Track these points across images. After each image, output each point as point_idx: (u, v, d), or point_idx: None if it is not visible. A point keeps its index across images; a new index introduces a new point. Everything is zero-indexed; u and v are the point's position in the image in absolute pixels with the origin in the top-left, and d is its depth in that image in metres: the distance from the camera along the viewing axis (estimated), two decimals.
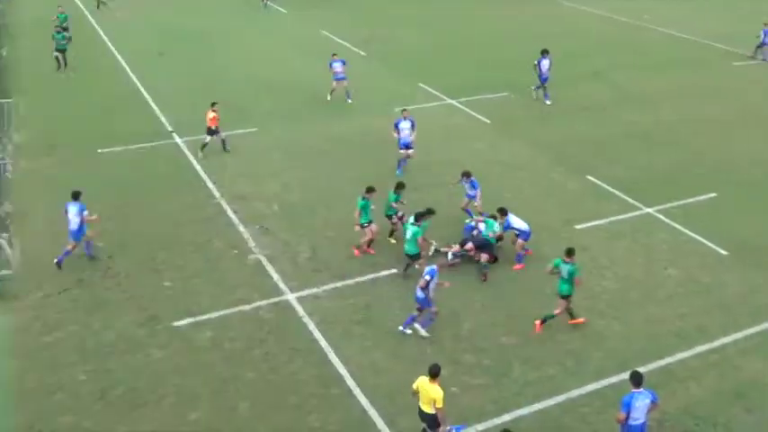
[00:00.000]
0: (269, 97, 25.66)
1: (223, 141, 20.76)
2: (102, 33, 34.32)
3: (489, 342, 13.12)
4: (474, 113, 24.31)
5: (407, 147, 19.58)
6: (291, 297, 14.32)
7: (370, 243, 15.79)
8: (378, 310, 14.00)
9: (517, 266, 15.43)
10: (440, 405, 10.02)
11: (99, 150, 20.77)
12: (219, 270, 15.15)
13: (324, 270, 15.20)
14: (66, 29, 29.12)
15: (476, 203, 16.70)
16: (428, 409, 10.16)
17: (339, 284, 14.74)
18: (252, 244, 16.12)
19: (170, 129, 22.46)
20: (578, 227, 17.04)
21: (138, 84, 26.70)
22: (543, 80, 25.04)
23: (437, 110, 24.70)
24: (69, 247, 15.13)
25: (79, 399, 11.69)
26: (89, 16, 37.98)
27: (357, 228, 15.61)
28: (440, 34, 35.26)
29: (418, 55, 31.32)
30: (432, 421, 10.20)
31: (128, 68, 28.60)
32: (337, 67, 24.69)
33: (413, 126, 19.60)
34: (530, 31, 35.89)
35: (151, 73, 27.98)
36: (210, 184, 18.86)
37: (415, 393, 10.34)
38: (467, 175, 16.84)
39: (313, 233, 16.65)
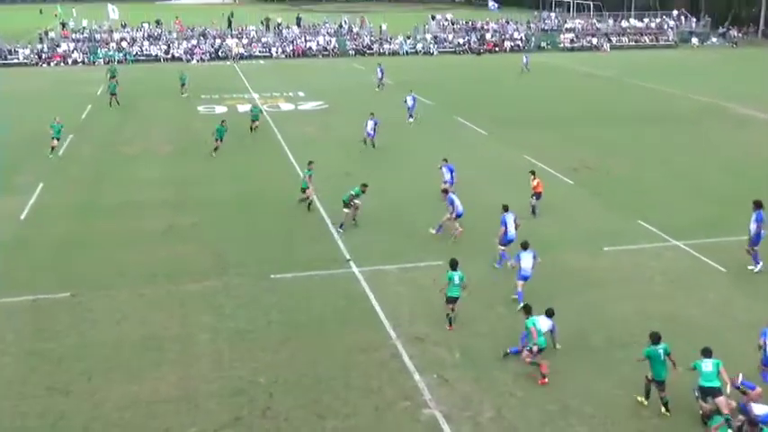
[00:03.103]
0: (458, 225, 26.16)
1: (533, 207, 26.48)
2: (286, 149, 37.25)
3: None
4: (705, 258, 23.21)
5: None
6: None
7: None
8: None
9: None
10: None
11: (272, 276, 22.10)
12: (387, 423, 15.15)
13: None
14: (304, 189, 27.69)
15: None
16: None
17: None
18: (427, 396, 16.07)
19: (347, 257, 23.48)
20: None
21: (319, 205, 28.39)
22: (754, 240, 22.23)
23: (659, 253, 23.86)
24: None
25: None
26: (275, 129, 41.54)
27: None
28: (662, 162, 34.62)
29: (636, 186, 30.82)
30: None
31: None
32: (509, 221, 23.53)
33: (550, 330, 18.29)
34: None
35: (335, 194, 29.64)
36: (386, 322, 19.26)
37: None
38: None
39: (499, 389, 16.30)
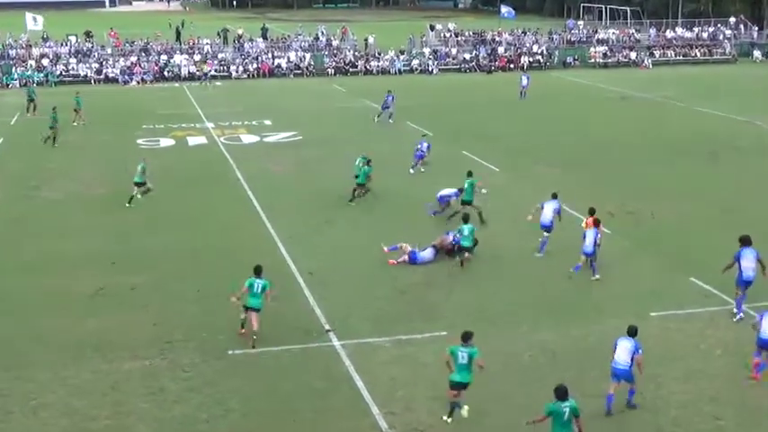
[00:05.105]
0: (467, 287, 26.14)
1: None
2: (249, 191, 37.34)
3: None
4: None
5: None
6: None
7: None
8: None
9: None
10: None
11: (230, 352, 21.98)
12: None
13: None
14: None
15: None
16: None
17: None
18: None
19: (327, 327, 23.43)
20: None
21: (290, 262, 28.38)
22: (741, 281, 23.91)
23: (717, 318, 23.92)
24: None
25: None
26: (234, 166, 41.68)
27: None
28: (719, 205, 34.93)
29: (688, 235, 31.03)
30: None
31: (278, 240, 30.64)
32: None
33: None
34: None
35: (309, 249, 29.69)
36: (375, 409, 19.12)
37: None
38: None
39: None
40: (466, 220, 27.92)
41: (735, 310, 23.84)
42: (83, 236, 31.33)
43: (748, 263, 23.75)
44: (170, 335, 22.94)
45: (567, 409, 15.98)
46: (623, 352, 18.52)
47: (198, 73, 77.62)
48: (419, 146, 41.32)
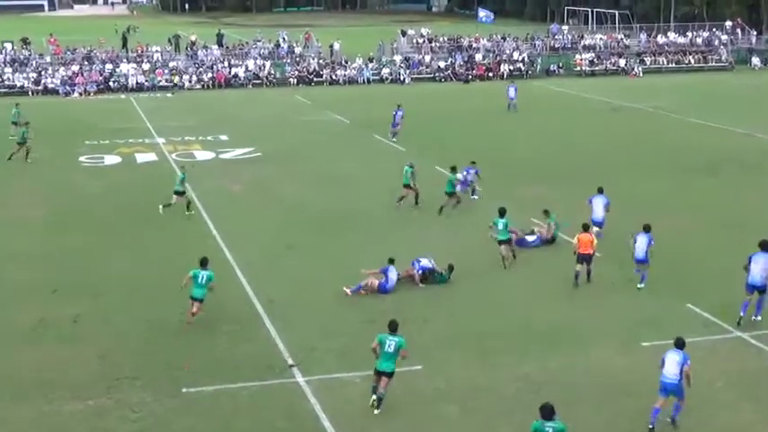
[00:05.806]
0: (444, 316, 26.15)
1: (589, 272, 28.20)
2: (203, 212, 37.27)
3: None
4: None
5: None
6: None
7: None
8: None
9: None
10: None
11: (184, 390, 21.83)
12: None
13: None
14: None
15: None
16: None
17: None
18: None
19: (290, 362, 23.35)
20: None
21: (250, 290, 28.30)
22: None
23: (716, 347, 24.06)
24: None
25: None
26: (189, 189, 41.46)
27: None
28: (718, 224, 35.30)
29: (685, 257, 31.20)
30: None
31: (236, 266, 30.57)
32: None
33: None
34: None
35: (270, 275, 29.64)
36: None
37: None
38: None
39: None
40: (502, 214, 29.49)
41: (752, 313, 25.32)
42: (20, 262, 31.08)
43: (757, 267, 24.77)
44: (117, 371, 22.77)
45: (550, 429, 16.35)
46: (672, 365, 19.21)
47: (147, 83, 77.64)
48: (465, 173, 39.12)
